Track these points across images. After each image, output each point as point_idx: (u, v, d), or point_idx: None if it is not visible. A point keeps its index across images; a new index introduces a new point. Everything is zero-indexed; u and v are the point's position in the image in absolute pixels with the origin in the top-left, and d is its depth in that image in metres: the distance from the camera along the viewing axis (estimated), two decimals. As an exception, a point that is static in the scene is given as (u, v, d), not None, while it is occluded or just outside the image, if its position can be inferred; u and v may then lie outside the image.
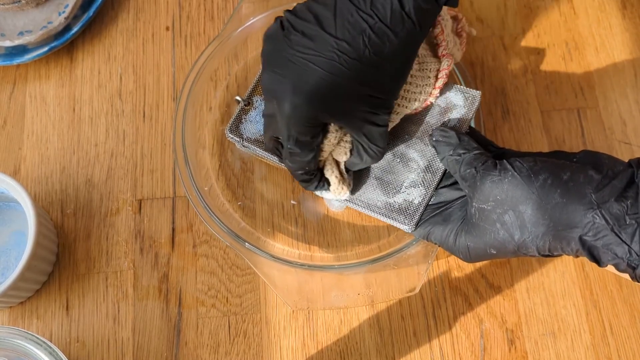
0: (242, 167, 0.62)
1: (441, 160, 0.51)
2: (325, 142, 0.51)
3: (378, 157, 0.52)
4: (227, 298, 0.59)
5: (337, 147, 0.52)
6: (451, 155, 0.50)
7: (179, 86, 0.65)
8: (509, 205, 0.46)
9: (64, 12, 0.65)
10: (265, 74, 0.49)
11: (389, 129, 0.52)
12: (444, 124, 0.54)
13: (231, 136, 0.57)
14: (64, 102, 0.65)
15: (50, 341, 0.52)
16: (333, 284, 0.56)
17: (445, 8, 0.54)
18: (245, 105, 0.57)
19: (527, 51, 0.67)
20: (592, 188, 0.44)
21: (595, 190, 0.44)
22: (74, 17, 0.66)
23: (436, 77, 0.53)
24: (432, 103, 0.54)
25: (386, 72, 0.48)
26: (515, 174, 0.46)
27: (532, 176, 0.45)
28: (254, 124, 0.57)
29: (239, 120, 0.57)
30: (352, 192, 0.54)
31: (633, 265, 0.44)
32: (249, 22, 0.62)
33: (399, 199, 0.53)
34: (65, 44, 0.66)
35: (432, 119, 0.55)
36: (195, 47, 0.67)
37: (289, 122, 0.48)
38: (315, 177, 0.53)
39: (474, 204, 0.47)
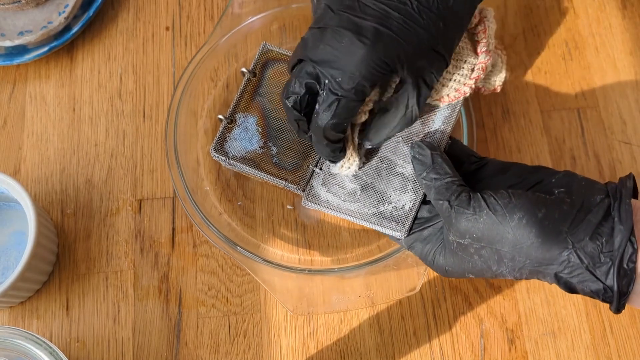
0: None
1: (416, 177, 0.50)
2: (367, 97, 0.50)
3: (411, 121, 0.51)
4: (227, 298, 0.59)
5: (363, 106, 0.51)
6: (424, 178, 0.49)
7: (179, 86, 0.65)
8: (486, 242, 0.46)
9: (64, 12, 0.65)
10: (336, 15, 0.47)
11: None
12: (429, 128, 0.53)
13: (216, 155, 0.56)
14: (64, 102, 0.65)
15: (50, 341, 0.52)
16: (333, 287, 0.56)
17: (492, 12, 0.55)
18: (228, 123, 0.56)
19: (527, 51, 0.67)
20: (567, 225, 0.44)
21: (571, 227, 0.44)
22: (74, 17, 0.66)
23: (472, 70, 0.53)
24: (466, 93, 0.53)
25: (450, 26, 0.48)
26: (490, 213, 0.45)
27: (507, 215, 0.45)
28: (238, 142, 0.56)
29: (223, 139, 0.56)
30: (341, 199, 0.54)
31: (608, 301, 0.44)
32: (248, 21, 0.62)
33: (389, 206, 0.52)
34: (65, 44, 0.66)
35: (416, 124, 0.54)
36: (195, 47, 0.67)
37: (363, 59, 0.46)
38: (342, 141, 0.51)
39: (450, 236, 0.47)
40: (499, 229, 0.45)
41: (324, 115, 0.48)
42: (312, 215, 0.61)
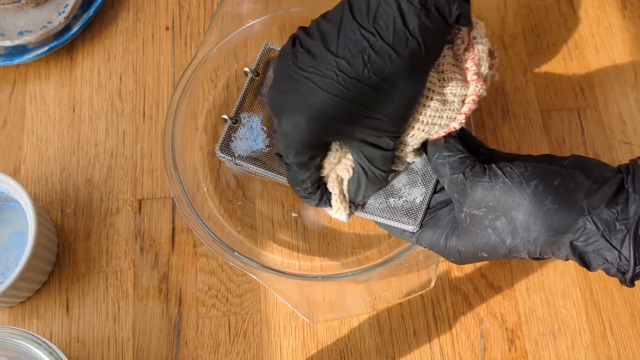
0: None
1: (429, 161, 0.51)
2: (325, 160, 0.50)
3: (379, 181, 0.51)
4: (227, 298, 0.59)
5: (339, 165, 0.51)
6: (437, 158, 0.49)
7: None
8: (501, 211, 0.45)
9: (63, 12, 0.65)
10: (271, 90, 0.48)
11: (404, 153, 0.51)
12: None
13: (222, 155, 0.55)
14: (64, 102, 0.65)
15: (50, 341, 0.52)
16: (347, 291, 0.56)
17: (483, 30, 0.52)
18: (233, 123, 0.56)
19: (527, 51, 0.67)
20: (583, 194, 0.44)
21: (586, 196, 0.44)
22: (74, 17, 0.66)
23: (462, 103, 0.50)
24: (455, 128, 0.50)
25: (388, 93, 0.46)
26: (507, 180, 0.45)
27: (524, 182, 0.45)
28: (244, 141, 0.56)
29: (228, 139, 0.56)
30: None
31: (623, 270, 0.44)
32: (248, 24, 0.62)
33: (399, 200, 0.52)
34: (65, 43, 0.66)
35: None
36: (195, 47, 0.67)
37: (287, 140, 0.48)
38: (314, 194, 0.52)
39: (464, 209, 0.47)
40: (515, 195, 0.45)
41: (287, 177, 0.52)
42: (314, 219, 0.61)
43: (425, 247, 0.52)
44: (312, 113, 0.46)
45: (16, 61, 0.65)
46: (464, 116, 0.50)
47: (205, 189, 0.60)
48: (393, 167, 0.52)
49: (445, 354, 0.57)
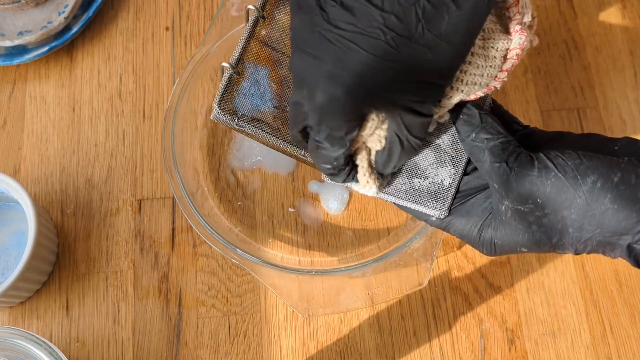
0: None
1: (461, 142, 0.45)
2: (360, 132, 0.43)
3: (415, 150, 0.44)
4: (227, 298, 0.59)
5: (372, 136, 0.44)
6: (473, 140, 0.43)
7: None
8: (550, 209, 0.40)
9: (63, 12, 0.65)
10: (295, 55, 0.40)
11: (437, 116, 0.45)
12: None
13: (221, 112, 0.45)
14: (63, 102, 0.65)
15: (50, 341, 0.52)
16: (340, 286, 0.56)
17: None
18: (234, 73, 0.45)
19: (527, 51, 0.67)
20: None
21: None
22: (74, 17, 0.66)
23: (504, 58, 0.44)
24: (496, 88, 0.44)
25: (444, 52, 0.39)
26: (560, 175, 0.40)
27: (579, 178, 0.39)
28: (248, 98, 0.45)
29: (230, 93, 0.45)
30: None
31: None
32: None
33: (424, 181, 0.46)
34: (65, 44, 0.66)
35: None
36: (195, 47, 0.67)
37: (322, 115, 0.40)
38: (344, 170, 0.45)
39: (505, 202, 0.42)
40: (569, 193, 0.39)
41: (312, 156, 0.44)
42: (313, 215, 0.61)
43: (454, 235, 0.47)
44: (354, 81, 0.38)
45: (16, 61, 0.65)
46: (505, 74, 0.44)
47: (205, 188, 0.60)
48: None
49: (445, 354, 0.57)
